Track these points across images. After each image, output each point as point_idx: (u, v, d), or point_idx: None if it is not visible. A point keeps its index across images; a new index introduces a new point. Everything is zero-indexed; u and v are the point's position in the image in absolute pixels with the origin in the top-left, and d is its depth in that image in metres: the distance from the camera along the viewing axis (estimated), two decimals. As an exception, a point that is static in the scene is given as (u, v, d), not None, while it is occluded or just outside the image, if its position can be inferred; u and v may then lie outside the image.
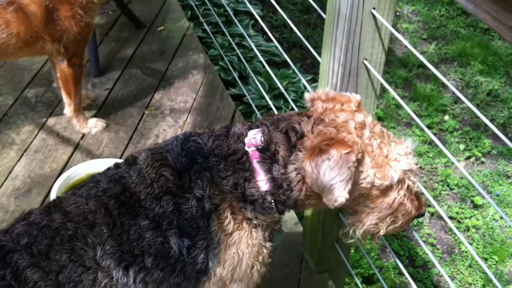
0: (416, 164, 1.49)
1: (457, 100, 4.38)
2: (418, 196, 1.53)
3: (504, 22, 1.11)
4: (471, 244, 3.45)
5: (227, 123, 1.60)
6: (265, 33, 4.68)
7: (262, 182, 1.48)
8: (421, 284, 3.19)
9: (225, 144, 1.49)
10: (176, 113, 3.06)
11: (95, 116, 3.00)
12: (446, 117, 4.22)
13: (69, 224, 1.36)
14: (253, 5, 4.70)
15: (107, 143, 2.86)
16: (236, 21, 3.39)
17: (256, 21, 4.64)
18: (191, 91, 3.21)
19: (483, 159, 3.97)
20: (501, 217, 3.63)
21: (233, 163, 1.47)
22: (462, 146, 4.04)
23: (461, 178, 3.79)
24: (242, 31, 3.12)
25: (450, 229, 3.53)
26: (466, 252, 3.41)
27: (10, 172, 2.67)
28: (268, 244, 1.62)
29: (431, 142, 3.99)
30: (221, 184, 1.47)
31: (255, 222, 1.52)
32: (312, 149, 1.36)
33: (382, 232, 1.49)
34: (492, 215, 3.61)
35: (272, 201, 1.50)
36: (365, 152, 1.39)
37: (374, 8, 1.60)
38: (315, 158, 1.34)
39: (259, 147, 1.47)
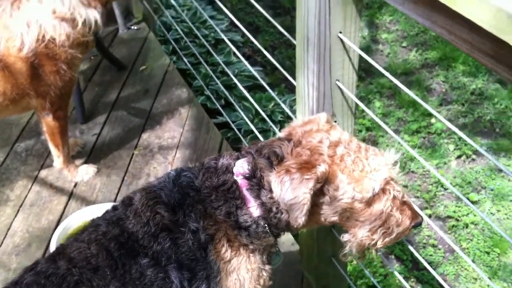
0: (399, 173, 1.54)
1: (442, 103, 4.50)
2: (410, 205, 1.58)
3: (458, 35, 1.19)
4: (471, 240, 3.52)
5: (216, 155, 1.67)
6: (249, 58, 4.79)
7: (253, 208, 1.54)
8: (427, 286, 3.24)
9: (214, 176, 1.56)
10: (164, 149, 3.13)
11: (85, 162, 3.06)
12: (433, 120, 4.33)
13: (74, 270, 1.41)
14: (233, 32, 4.82)
15: (100, 188, 2.91)
16: (212, 51, 3.49)
17: (238, 47, 4.76)
18: (178, 126, 3.29)
19: (473, 156, 4.07)
20: (498, 211, 3.73)
21: (224, 193, 1.54)
22: (452, 146, 4.14)
23: (454, 177, 3.90)
24: (219, 60, 3.22)
25: (450, 228, 3.61)
26: (467, 248, 3.48)
27: (9, 229, 2.70)
28: (267, 267, 1.67)
29: (420, 146, 4.10)
30: (215, 215, 1.53)
31: (251, 247, 1.58)
32: (282, 168, 1.45)
33: (379, 244, 1.54)
34: (488, 209, 3.70)
35: (266, 225, 1.56)
36: (337, 171, 1.46)
37: (340, 32, 1.68)
38: (281, 176, 1.43)
39: (246, 175, 1.54)
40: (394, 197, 1.52)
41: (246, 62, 2.60)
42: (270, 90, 2.44)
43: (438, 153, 4.06)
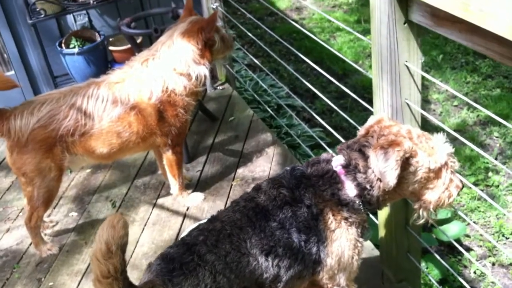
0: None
1: (497, 157, 4.72)
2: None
3: (491, 48, 1.76)
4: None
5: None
6: (309, 121, 5.38)
7: (351, 189, 2.08)
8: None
9: (320, 168, 2.13)
10: (257, 180, 3.73)
11: (194, 191, 3.69)
12: (490, 174, 4.58)
13: (227, 227, 1.99)
14: (292, 98, 5.41)
15: (207, 210, 3.52)
16: (275, 116, 4.01)
17: (298, 111, 5.37)
18: (266, 163, 3.90)
19: (533, 207, 4.23)
20: None
21: (328, 179, 2.09)
22: (510, 198, 4.32)
23: (515, 227, 4.07)
24: (282, 123, 3.81)
25: (512, 275, 3.74)
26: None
27: (137, 242, 3.33)
28: (361, 240, 2.18)
29: (480, 198, 4.28)
30: (322, 195, 2.08)
31: (350, 220, 2.10)
32: (377, 145, 1.99)
33: (446, 204, 2.06)
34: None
35: (360, 202, 2.09)
36: (417, 149, 2.00)
37: (406, 61, 2.28)
38: (377, 151, 1.96)
39: (343, 165, 2.10)
40: (452, 166, 2.06)
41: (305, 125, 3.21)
42: (329, 149, 3.00)
43: (497, 204, 4.28)
